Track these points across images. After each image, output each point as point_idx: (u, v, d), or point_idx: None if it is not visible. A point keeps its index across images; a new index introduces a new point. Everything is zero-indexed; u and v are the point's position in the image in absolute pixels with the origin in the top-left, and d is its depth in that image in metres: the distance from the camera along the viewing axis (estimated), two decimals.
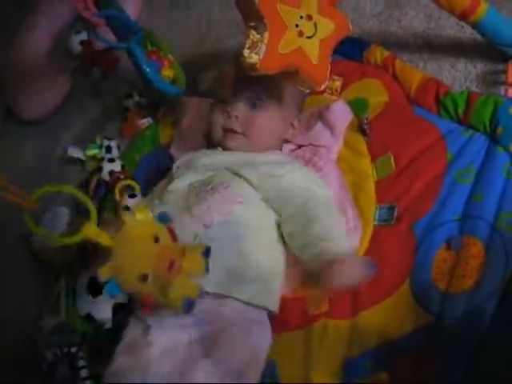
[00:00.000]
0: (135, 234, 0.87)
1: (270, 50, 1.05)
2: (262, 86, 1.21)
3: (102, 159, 1.71)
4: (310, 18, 1.10)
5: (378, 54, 1.36)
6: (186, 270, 0.88)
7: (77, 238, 0.85)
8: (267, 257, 1.12)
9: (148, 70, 1.32)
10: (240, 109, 1.24)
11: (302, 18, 1.09)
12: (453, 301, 1.01)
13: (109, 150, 1.74)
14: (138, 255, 0.85)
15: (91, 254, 1.39)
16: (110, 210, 1.54)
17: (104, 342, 1.38)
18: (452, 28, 1.37)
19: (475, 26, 1.17)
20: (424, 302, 1.04)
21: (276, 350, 1.12)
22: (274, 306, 1.12)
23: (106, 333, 1.37)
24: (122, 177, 1.57)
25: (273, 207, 1.15)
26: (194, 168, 1.24)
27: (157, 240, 0.86)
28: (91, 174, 1.69)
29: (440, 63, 1.34)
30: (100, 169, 1.67)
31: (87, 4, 1.15)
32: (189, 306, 0.88)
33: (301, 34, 1.09)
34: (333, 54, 1.38)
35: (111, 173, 1.65)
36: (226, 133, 1.25)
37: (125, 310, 1.30)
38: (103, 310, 1.35)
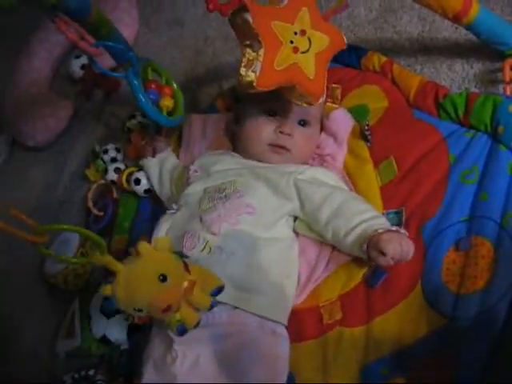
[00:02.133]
0: (143, 267, 0.88)
1: (266, 67, 1.05)
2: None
3: (104, 166, 1.75)
4: (303, 33, 1.11)
5: (375, 60, 1.36)
6: (190, 301, 0.91)
7: (84, 261, 0.89)
8: (277, 270, 1.13)
9: (143, 101, 1.33)
10: (293, 127, 1.25)
11: (296, 33, 1.10)
12: (465, 302, 1.01)
13: (106, 151, 1.77)
14: (138, 291, 0.87)
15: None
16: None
17: (121, 363, 1.39)
18: (447, 30, 1.37)
19: (469, 27, 1.17)
20: (437, 304, 1.04)
21: (292, 360, 1.13)
22: (280, 317, 1.12)
23: (123, 354, 1.38)
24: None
25: (296, 206, 1.17)
26: (208, 173, 1.26)
27: (164, 279, 0.87)
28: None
29: (437, 66, 1.35)
30: (106, 171, 1.72)
31: (83, 34, 1.16)
32: (182, 331, 0.93)
33: (296, 49, 1.09)
34: (331, 62, 1.40)
35: (117, 170, 1.68)
36: (273, 148, 1.25)
37: (141, 331, 1.31)
38: (118, 331, 1.36)
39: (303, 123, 1.26)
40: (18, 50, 2.31)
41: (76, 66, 2.10)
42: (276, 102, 1.23)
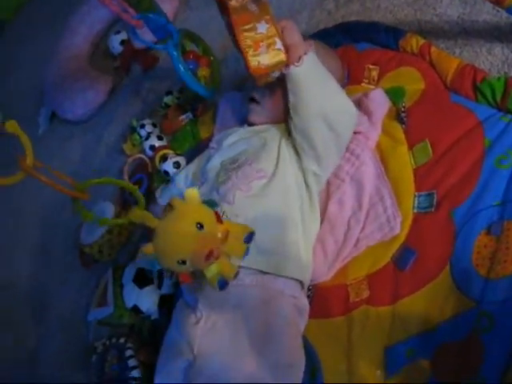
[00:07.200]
0: (180, 219, 0.89)
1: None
2: None
3: (140, 140, 1.79)
4: None
5: (413, 42, 1.36)
6: (225, 251, 0.93)
7: (122, 221, 0.90)
8: (292, 229, 1.15)
9: (182, 71, 1.35)
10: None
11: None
12: (494, 286, 1.01)
13: (143, 126, 1.80)
14: (179, 241, 0.88)
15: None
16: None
17: (151, 333, 1.42)
18: (488, 13, 1.35)
19: (510, 10, 1.16)
20: (465, 287, 1.04)
21: (319, 337, 1.16)
22: (300, 276, 1.14)
23: (152, 324, 1.41)
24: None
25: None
26: (223, 147, 1.31)
27: (201, 227, 0.88)
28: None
29: (476, 49, 1.33)
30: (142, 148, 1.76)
31: (125, 7, 1.18)
32: (223, 285, 0.94)
33: None
34: (368, 43, 1.42)
35: (152, 147, 1.72)
36: (248, 106, 1.31)
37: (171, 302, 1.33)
38: (149, 301, 1.39)
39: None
40: (60, 26, 2.35)
41: (116, 41, 2.13)
42: None
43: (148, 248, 0.89)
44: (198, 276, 1.12)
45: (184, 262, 0.89)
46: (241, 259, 0.98)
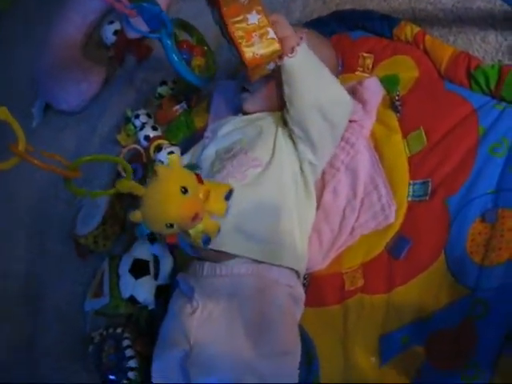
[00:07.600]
0: (165, 184, 0.93)
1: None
2: None
3: (135, 131, 1.78)
4: None
5: (407, 30, 1.35)
6: (208, 210, 0.98)
7: (111, 192, 0.93)
8: (287, 218, 1.15)
9: (176, 60, 1.34)
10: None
11: None
12: (489, 273, 1.01)
13: (137, 116, 1.78)
14: (166, 207, 0.92)
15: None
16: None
17: (148, 323, 1.42)
18: (482, 0, 1.34)
19: None
20: (460, 275, 1.04)
21: (315, 325, 1.17)
22: (293, 263, 1.15)
23: (150, 314, 1.41)
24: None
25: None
26: (217, 136, 1.31)
27: (185, 191, 0.92)
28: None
29: (470, 37, 1.32)
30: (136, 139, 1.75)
31: None
32: (206, 241, 1.00)
33: None
34: (362, 31, 1.42)
35: (147, 137, 1.71)
36: (241, 94, 1.31)
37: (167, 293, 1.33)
38: (146, 292, 1.39)
39: None
40: (54, 15, 2.33)
41: (109, 31, 2.12)
42: None
43: (135, 215, 0.93)
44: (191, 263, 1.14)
45: (172, 226, 0.94)
46: (222, 216, 1.01)
